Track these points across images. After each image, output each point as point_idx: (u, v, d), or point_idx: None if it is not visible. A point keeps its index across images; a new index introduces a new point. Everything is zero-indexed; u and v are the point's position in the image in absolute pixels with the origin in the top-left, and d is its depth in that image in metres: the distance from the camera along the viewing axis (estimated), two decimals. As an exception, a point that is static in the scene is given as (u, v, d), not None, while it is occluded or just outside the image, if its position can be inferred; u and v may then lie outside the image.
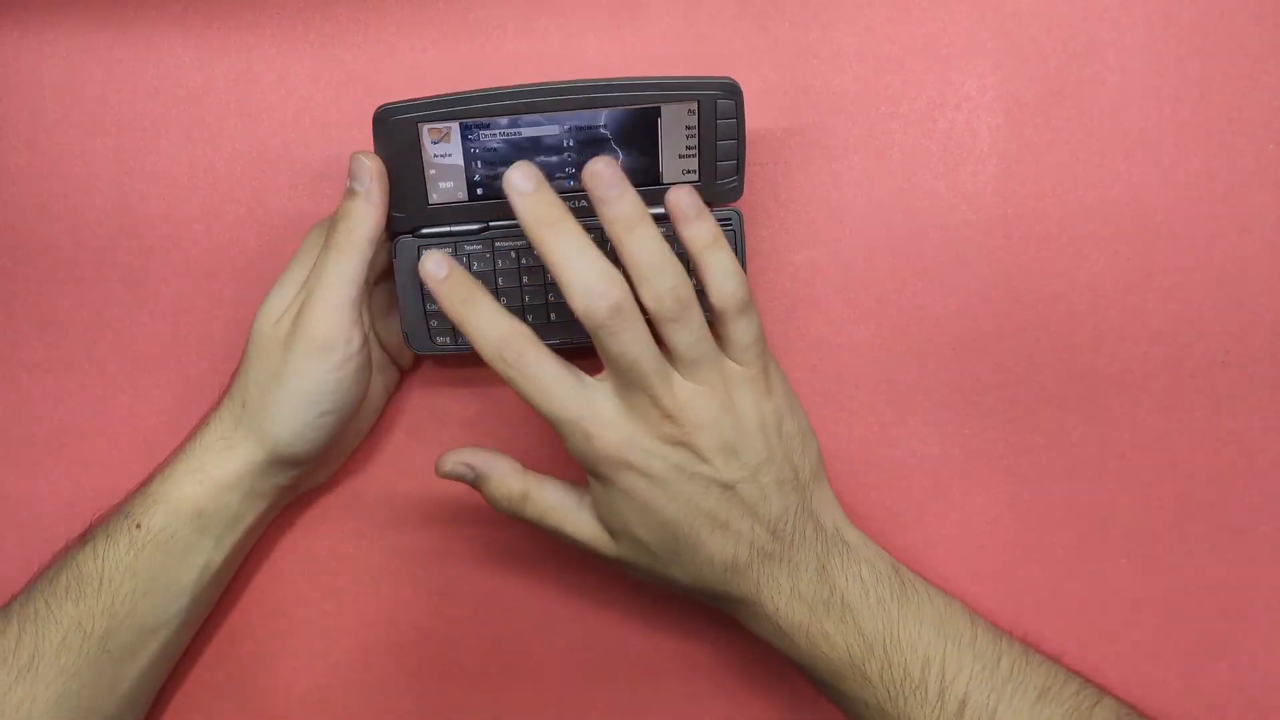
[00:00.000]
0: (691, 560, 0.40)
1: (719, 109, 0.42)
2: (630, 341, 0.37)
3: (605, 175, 0.37)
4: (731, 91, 0.42)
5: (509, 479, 0.42)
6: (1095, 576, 0.47)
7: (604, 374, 0.39)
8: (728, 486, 0.39)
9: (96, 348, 0.50)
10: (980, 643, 0.40)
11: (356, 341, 0.42)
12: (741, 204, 0.48)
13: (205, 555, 0.44)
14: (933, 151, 0.47)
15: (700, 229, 0.38)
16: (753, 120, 0.47)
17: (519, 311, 0.44)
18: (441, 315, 0.44)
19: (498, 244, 0.44)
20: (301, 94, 0.49)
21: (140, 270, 0.50)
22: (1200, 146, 0.46)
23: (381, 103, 0.41)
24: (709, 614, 0.48)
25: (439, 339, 0.46)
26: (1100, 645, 0.47)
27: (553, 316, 0.45)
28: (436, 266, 0.39)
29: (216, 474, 0.43)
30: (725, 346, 0.39)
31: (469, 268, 0.44)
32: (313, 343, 0.41)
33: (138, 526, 0.43)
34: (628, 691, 0.49)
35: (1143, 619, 0.47)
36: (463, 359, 0.48)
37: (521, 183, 0.37)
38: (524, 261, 0.44)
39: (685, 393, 0.38)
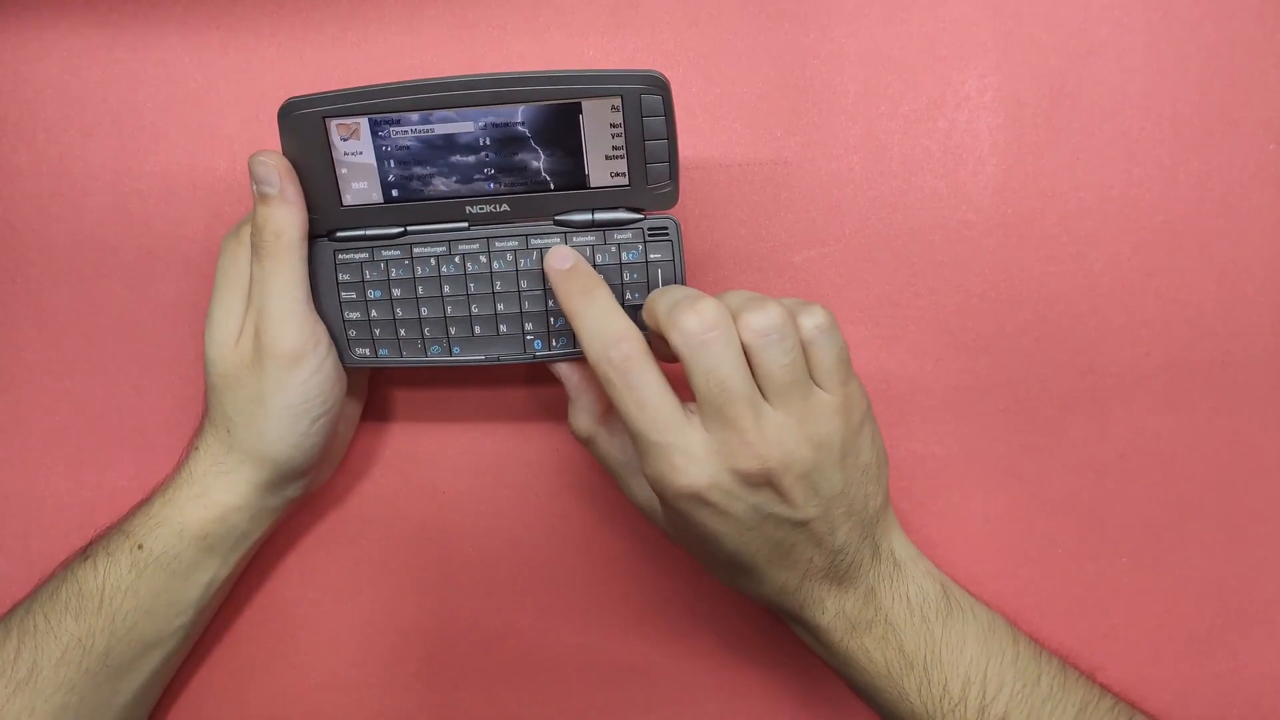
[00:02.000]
0: (743, 579, 0.40)
1: (645, 105, 0.39)
2: (721, 356, 0.36)
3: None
4: (658, 85, 0.39)
5: (581, 417, 0.42)
6: (1095, 576, 0.47)
7: (695, 404, 0.37)
8: (801, 524, 0.38)
9: (96, 348, 0.50)
10: (1022, 660, 0.40)
11: (324, 340, 0.42)
12: (741, 203, 0.48)
13: (211, 573, 0.44)
14: (933, 151, 0.47)
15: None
16: (754, 120, 0.47)
17: (440, 323, 0.42)
18: (360, 325, 0.43)
19: (416, 250, 0.42)
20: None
21: (140, 270, 0.50)
22: (1200, 146, 0.46)
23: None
24: (707, 616, 0.48)
25: (358, 351, 0.43)
26: (1100, 645, 0.47)
27: (476, 329, 0.43)
28: (560, 260, 0.39)
29: (220, 498, 0.43)
30: (810, 370, 0.38)
31: (387, 274, 0.42)
32: (284, 358, 0.41)
33: (139, 547, 0.43)
34: (627, 692, 0.49)
35: (1143, 619, 0.47)
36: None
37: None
38: (444, 269, 0.42)
39: (773, 426, 0.36)
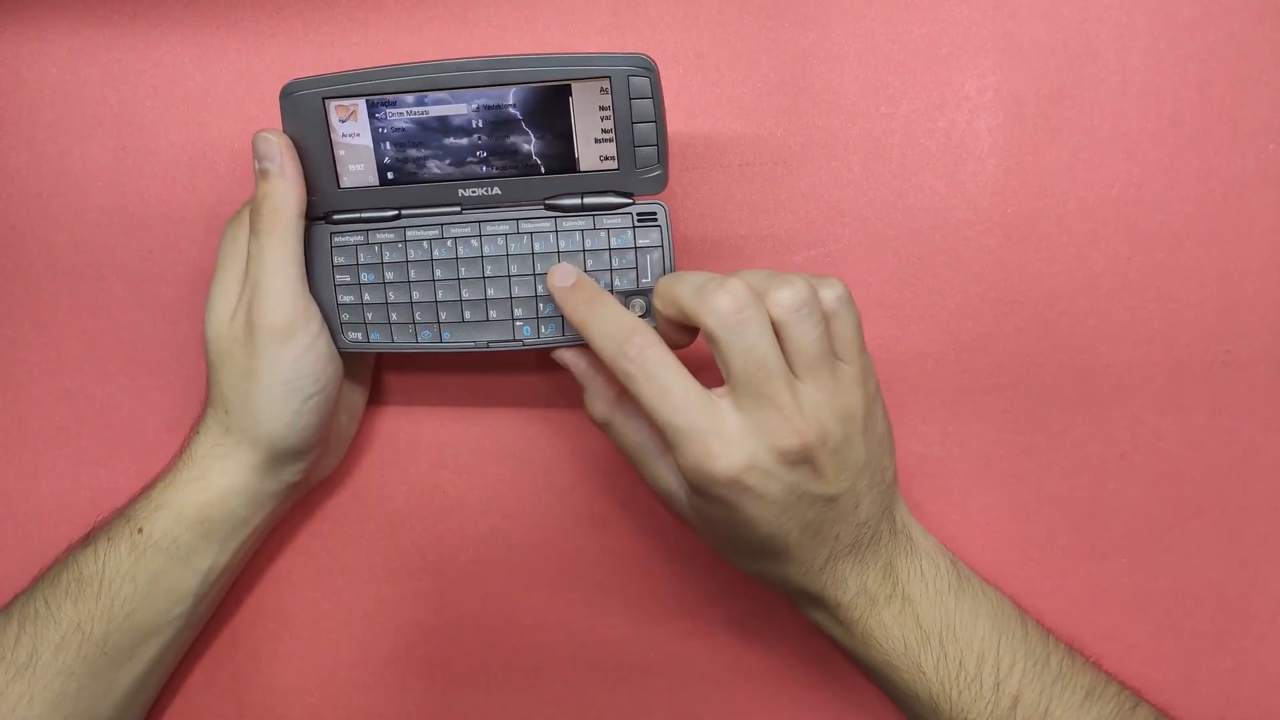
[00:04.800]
0: (769, 563, 0.40)
1: (633, 88, 0.39)
2: (757, 335, 0.36)
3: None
4: (645, 68, 0.39)
5: (596, 402, 0.42)
6: (1095, 576, 0.47)
7: (723, 388, 0.37)
8: (831, 499, 0.38)
9: (96, 348, 0.50)
10: (1031, 639, 0.40)
11: (317, 319, 0.42)
12: (741, 203, 0.48)
13: (209, 560, 0.44)
14: (933, 151, 0.47)
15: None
16: (754, 120, 0.47)
17: (431, 307, 0.43)
18: (353, 308, 0.43)
19: (410, 233, 0.43)
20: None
21: (140, 270, 0.50)
22: (1200, 146, 0.46)
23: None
24: (709, 615, 0.48)
25: (351, 335, 0.43)
26: (1100, 645, 0.47)
27: (466, 314, 0.43)
28: (563, 277, 0.40)
29: (218, 480, 0.43)
30: (831, 342, 0.38)
31: (380, 257, 0.43)
32: (274, 332, 0.41)
33: (139, 531, 0.43)
34: (627, 692, 0.49)
35: (1143, 619, 0.47)
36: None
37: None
38: (437, 253, 0.43)
39: (808, 402, 0.36)
